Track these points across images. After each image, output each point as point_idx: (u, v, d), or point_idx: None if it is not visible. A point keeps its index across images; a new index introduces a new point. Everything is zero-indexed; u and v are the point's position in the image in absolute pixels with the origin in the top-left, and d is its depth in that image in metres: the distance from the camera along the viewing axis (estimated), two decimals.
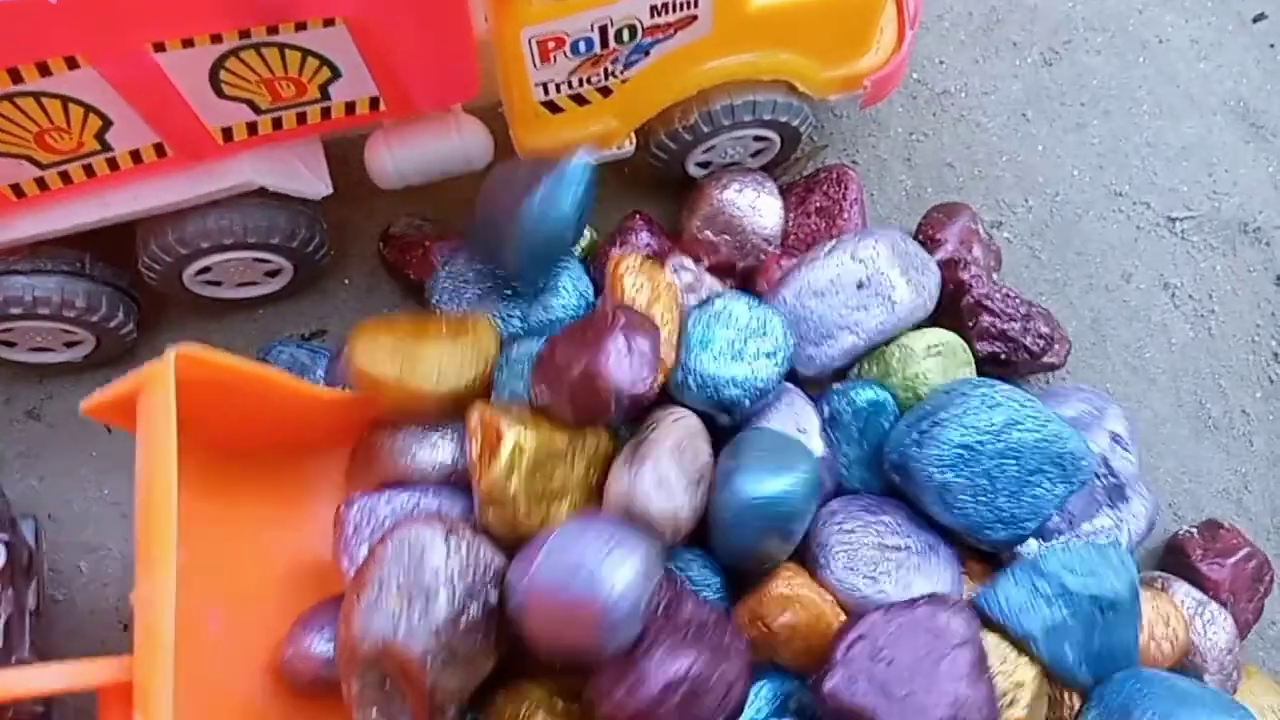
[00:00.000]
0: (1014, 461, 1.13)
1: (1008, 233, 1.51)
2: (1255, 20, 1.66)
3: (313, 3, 0.96)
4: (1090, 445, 1.17)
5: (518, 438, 1.08)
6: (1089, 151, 1.57)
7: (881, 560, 1.13)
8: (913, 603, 1.07)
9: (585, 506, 1.14)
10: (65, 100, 1.03)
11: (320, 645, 1.14)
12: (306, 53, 1.06)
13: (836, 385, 1.25)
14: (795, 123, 1.36)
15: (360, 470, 1.25)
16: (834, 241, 1.29)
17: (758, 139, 1.39)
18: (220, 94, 1.08)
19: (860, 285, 1.24)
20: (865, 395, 1.22)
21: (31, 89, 1.01)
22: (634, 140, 1.34)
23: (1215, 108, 1.61)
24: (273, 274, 1.38)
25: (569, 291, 1.28)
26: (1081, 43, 1.63)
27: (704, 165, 1.42)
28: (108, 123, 1.08)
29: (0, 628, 1.17)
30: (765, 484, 1.07)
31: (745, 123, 1.33)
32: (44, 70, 0.99)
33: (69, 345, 1.35)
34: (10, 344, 1.33)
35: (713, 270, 1.35)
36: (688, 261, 1.30)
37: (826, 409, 1.24)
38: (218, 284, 1.36)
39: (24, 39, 0.94)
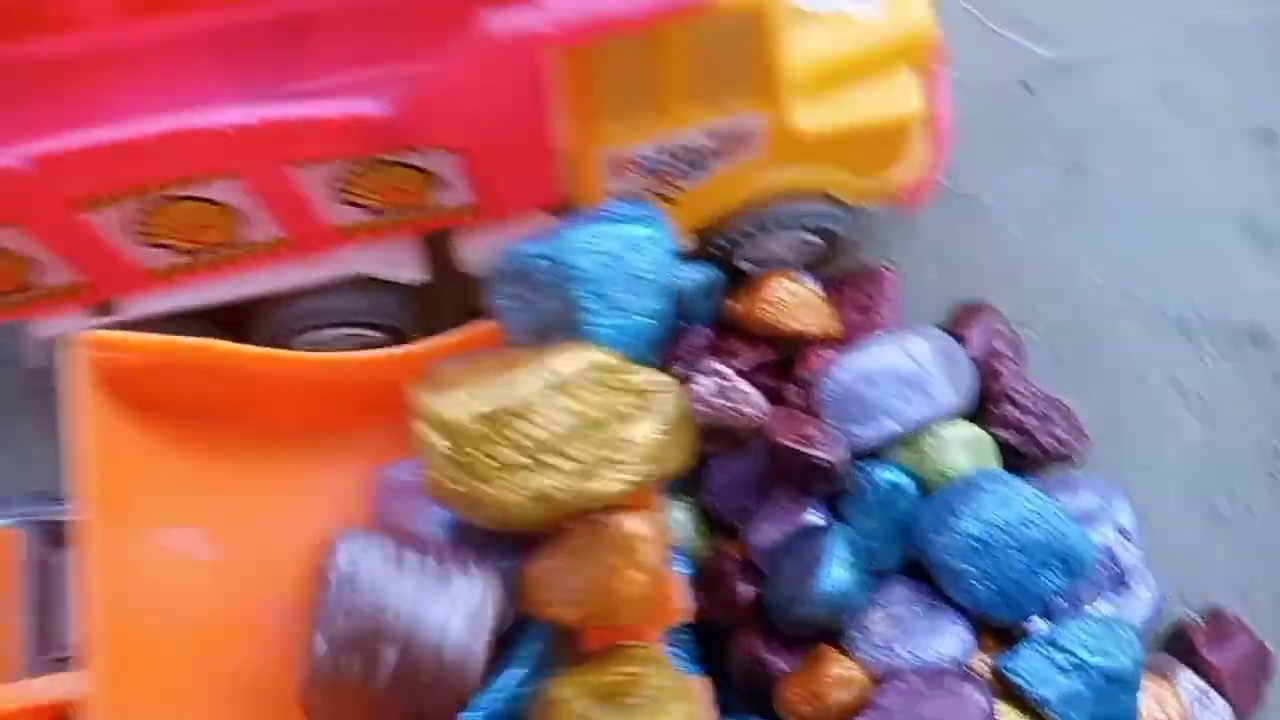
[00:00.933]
0: (1022, 555, 1.26)
1: (1031, 331, 1.65)
2: (1266, 139, 1.80)
3: (434, 136, 1.14)
4: (1096, 538, 1.30)
5: None
6: (1106, 257, 1.71)
7: (894, 628, 1.27)
8: (943, 670, 1.20)
9: None
10: (210, 202, 1.22)
11: None
12: (420, 170, 1.24)
13: (863, 463, 1.39)
14: (835, 227, 1.52)
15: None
16: (886, 334, 1.43)
17: (803, 241, 1.55)
18: (340, 199, 1.26)
19: (905, 379, 1.37)
20: (887, 477, 1.35)
21: (184, 193, 1.19)
22: (692, 239, 1.50)
23: (1226, 219, 1.74)
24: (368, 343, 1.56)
25: None
26: (1100, 154, 1.78)
27: (753, 261, 1.58)
28: (241, 220, 1.26)
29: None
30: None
31: (790, 228, 1.49)
32: (191, 176, 1.18)
33: None
34: None
35: (745, 372, 1.47)
36: (724, 368, 1.40)
37: (851, 482, 1.37)
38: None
39: (196, 158, 1.13)
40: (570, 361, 1.03)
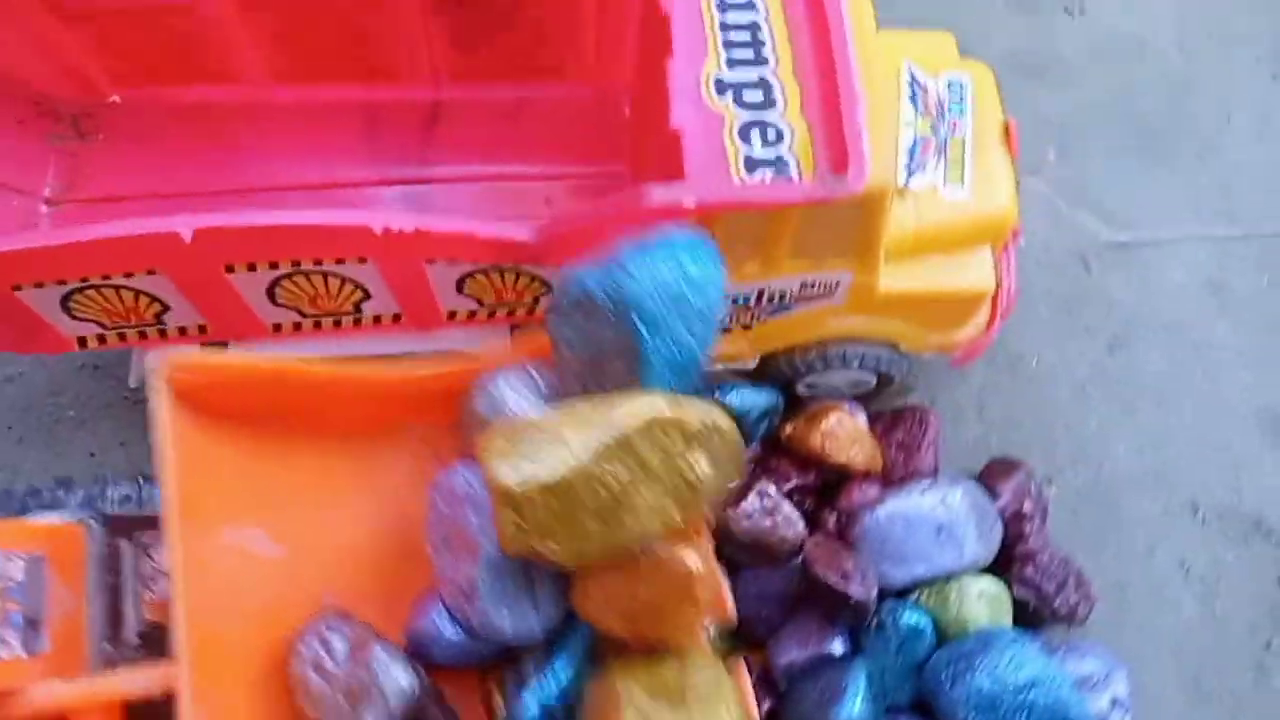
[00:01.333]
0: (1026, 715, 1.37)
1: (1057, 490, 1.76)
2: None
3: (565, 260, 1.26)
4: (1092, 707, 1.41)
5: None
6: (1135, 433, 1.82)
7: None
8: None
9: None
10: (344, 279, 1.33)
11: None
12: (535, 276, 1.36)
13: (890, 601, 1.50)
14: (893, 372, 1.63)
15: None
16: (928, 483, 1.54)
17: (860, 378, 1.66)
18: (459, 291, 1.38)
19: (940, 529, 1.48)
20: (911, 620, 1.46)
21: (322, 269, 1.31)
22: (756, 360, 1.61)
23: (1250, 414, 1.86)
24: None
25: None
26: (1144, 337, 1.89)
27: (810, 387, 1.69)
28: (367, 296, 1.37)
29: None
30: None
31: (852, 366, 1.61)
32: (339, 259, 1.29)
33: None
34: None
35: (791, 492, 1.59)
36: (771, 489, 1.52)
37: (876, 618, 1.48)
38: None
39: (343, 247, 1.25)
40: (630, 418, 1.07)
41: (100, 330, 1.40)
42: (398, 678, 1.14)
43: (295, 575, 1.20)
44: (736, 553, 1.54)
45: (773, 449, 1.67)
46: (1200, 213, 2.00)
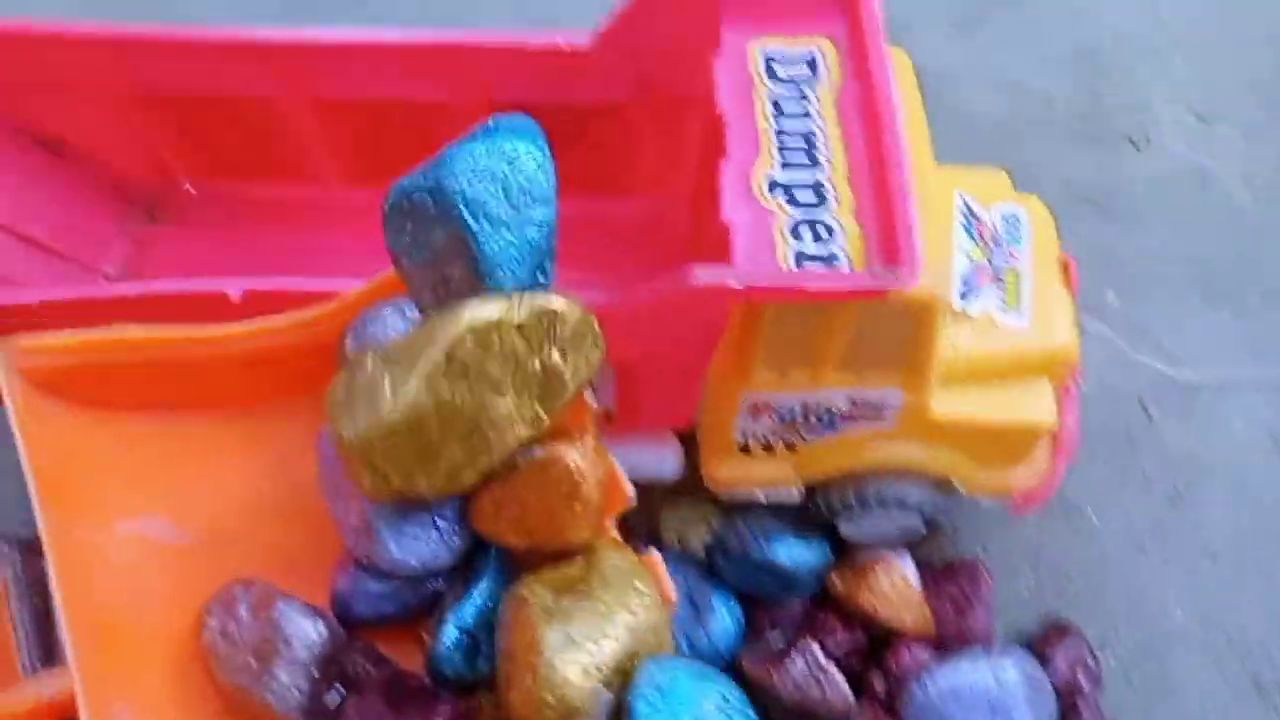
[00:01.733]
0: None
1: (1110, 653, 1.67)
2: None
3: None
4: None
5: None
6: (1193, 594, 1.73)
7: None
8: None
9: None
10: None
11: None
12: None
13: None
14: (941, 518, 1.58)
15: None
16: (978, 652, 1.48)
17: (906, 524, 1.61)
18: None
19: (991, 703, 1.41)
20: None
21: None
22: (802, 491, 1.57)
23: None
24: None
25: (724, 620, 1.50)
26: (1204, 489, 1.82)
27: (855, 531, 1.63)
28: None
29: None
30: None
31: (897, 508, 1.55)
32: None
33: None
34: None
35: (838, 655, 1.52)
36: (817, 652, 1.46)
37: None
38: None
39: None
40: (453, 333, 0.99)
41: None
42: (303, 626, 1.09)
43: (206, 557, 1.14)
44: (778, 711, 1.48)
45: (820, 601, 1.61)
46: (1263, 356, 1.94)
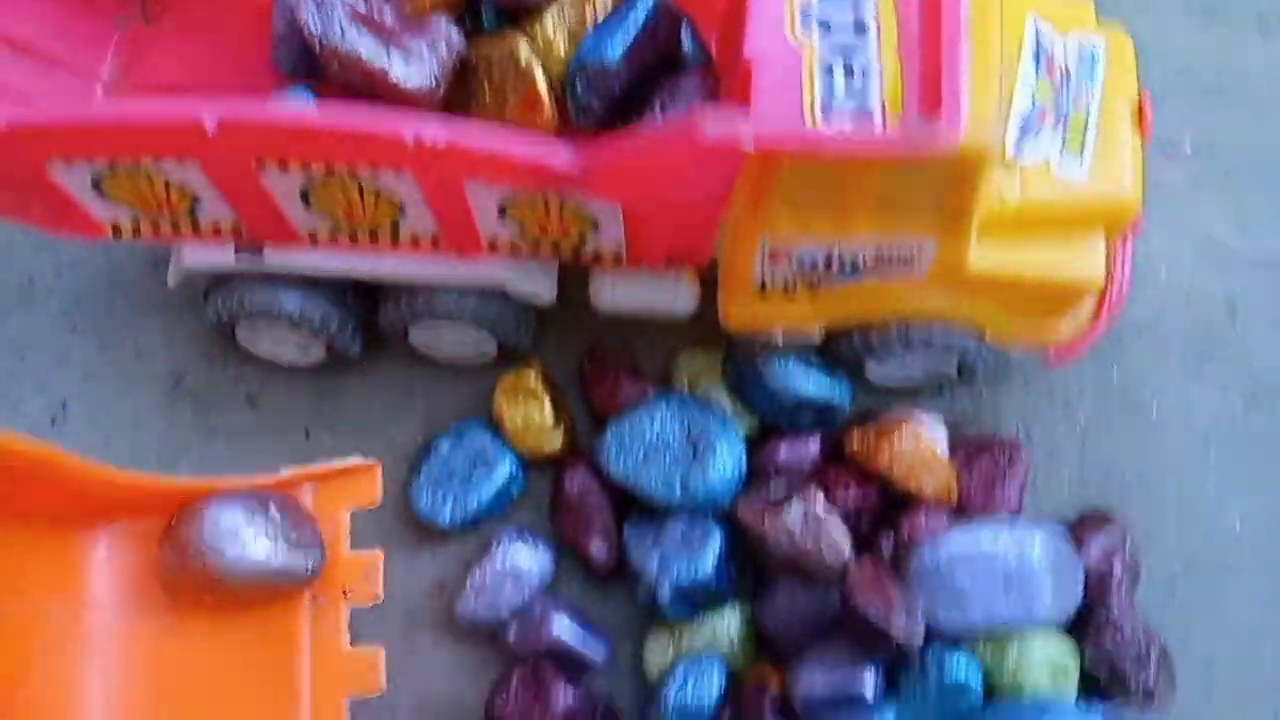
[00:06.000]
0: None
1: (1152, 556, 1.53)
2: None
3: (611, 192, 1.13)
4: None
5: None
6: (1258, 510, 1.58)
7: None
8: None
9: None
10: (379, 191, 1.22)
11: None
12: (581, 209, 1.23)
13: (937, 646, 1.31)
14: (977, 362, 1.44)
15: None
16: (1001, 523, 1.35)
17: (937, 368, 1.48)
18: (502, 217, 1.26)
19: (1009, 576, 1.29)
20: (957, 672, 1.28)
21: (357, 178, 1.20)
22: (822, 332, 1.44)
23: None
24: (482, 351, 1.56)
25: (725, 463, 1.40)
26: None
27: (881, 371, 1.51)
28: (404, 213, 1.26)
29: None
30: None
31: (929, 348, 1.42)
32: (375, 166, 1.18)
33: (302, 349, 1.56)
34: (256, 335, 1.54)
35: (846, 510, 1.41)
36: (819, 503, 1.35)
37: (918, 661, 1.29)
38: (434, 345, 1.56)
39: (373, 153, 1.14)
40: None
41: (133, 217, 1.33)
42: None
43: None
44: (772, 563, 1.38)
45: (833, 456, 1.50)
46: None
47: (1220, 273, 1.71)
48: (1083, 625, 1.37)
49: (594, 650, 1.44)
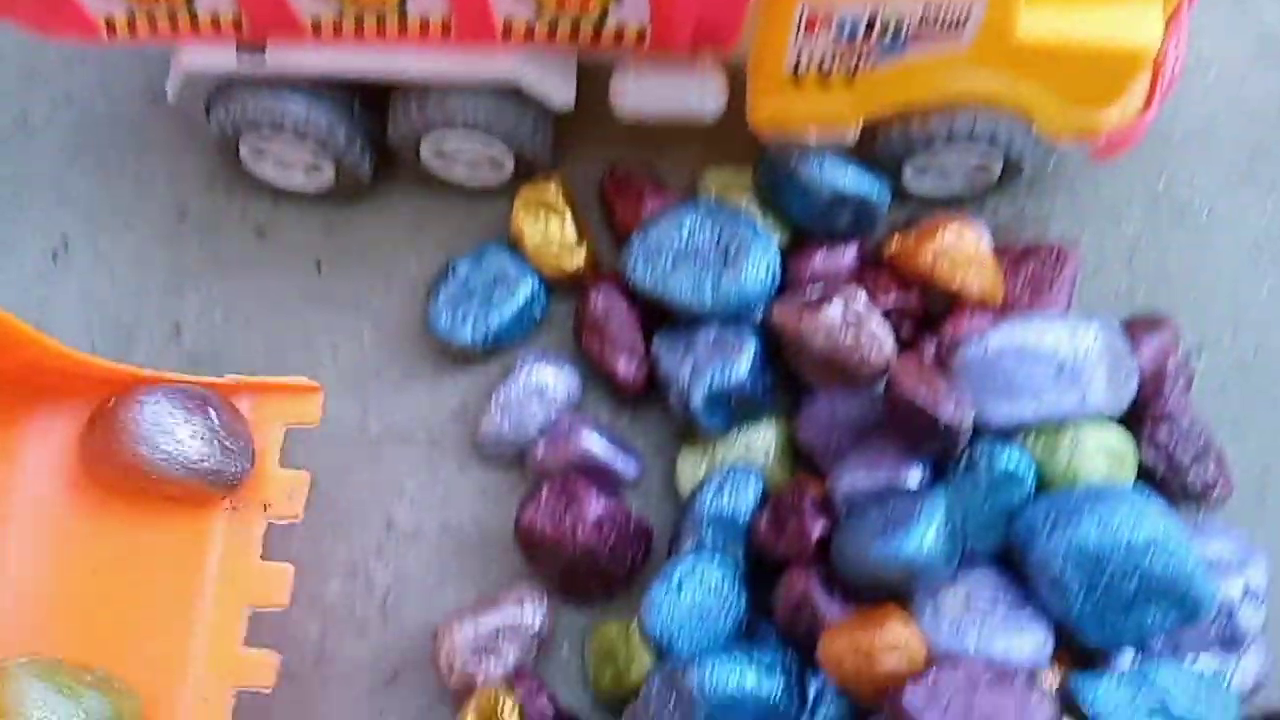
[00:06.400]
0: (1137, 581, 1.11)
1: (1205, 361, 1.47)
2: None
3: None
4: (1220, 593, 1.15)
5: None
6: None
7: (971, 612, 1.14)
8: (1012, 670, 1.07)
9: None
10: None
11: None
12: None
13: (987, 439, 1.25)
14: (1024, 157, 1.37)
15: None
16: (1057, 313, 1.28)
17: (979, 167, 1.40)
18: None
19: (1061, 368, 1.22)
20: (1008, 461, 1.21)
21: None
22: (858, 132, 1.36)
23: None
24: (497, 167, 1.48)
25: (759, 266, 1.33)
26: None
27: (922, 180, 1.44)
28: None
29: None
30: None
31: (974, 142, 1.34)
32: None
33: (309, 171, 1.48)
34: (261, 155, 1.46)
35: (888, 313, 1.34)
36: (860, 300, 1.27)
37: (967, 455, 1.23)
38: (447, 164, 1.47)
39: None
40: None
41: (128, 10, 1.25)
42: None
43: None
44: (810, 370, 1.31)
45: (873, 263, 1.43)
46: None
47: (1274, 74, 1.61)
48: (1137, 422, 1.30)
49: (625, 464, 1.39)
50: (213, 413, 1.27)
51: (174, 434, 1.23)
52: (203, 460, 1.24)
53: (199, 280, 1.56)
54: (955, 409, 1.19)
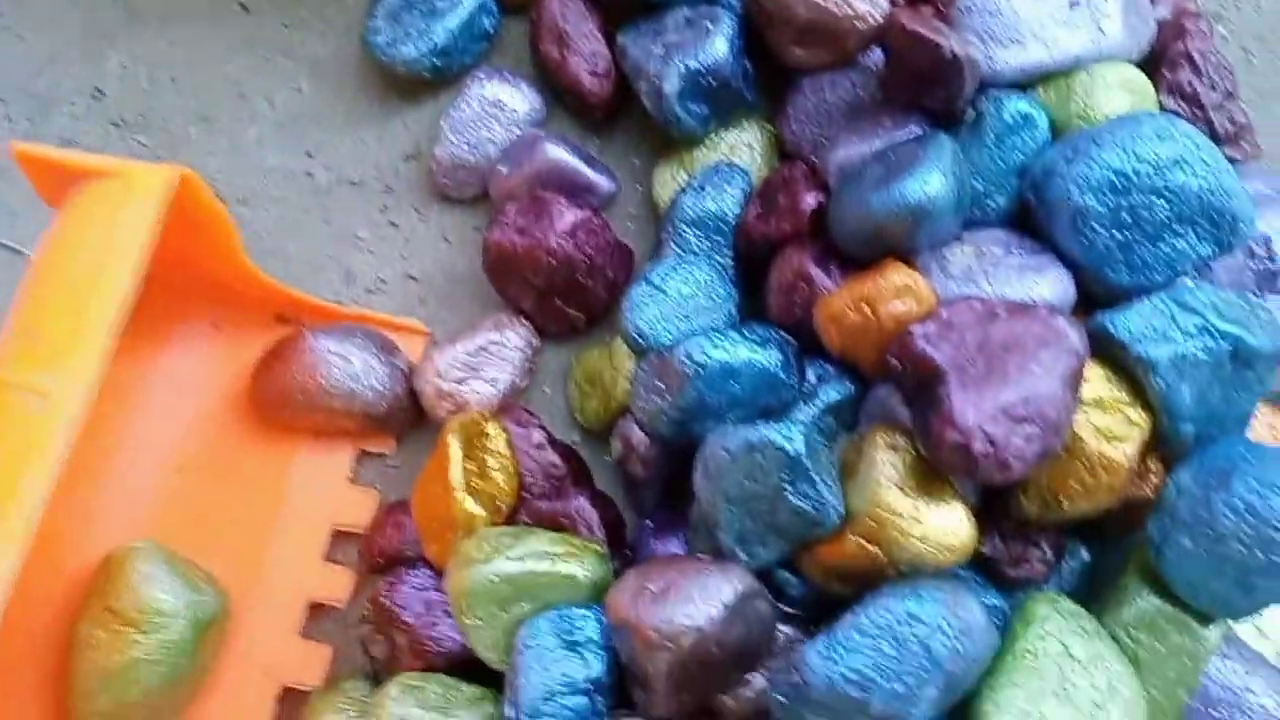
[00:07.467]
0: (1167, 203, 0.99)
1: (1226, 28, 1.35)
2: None
3: None
4: (1259, 221, 1.03)
5: None
6: None
7: (981, 261, 1.03)
8: (1034, 305, 0.96)
9: None
10: None
11: None
12: None
13: (993, 90, 1.12)
14: None
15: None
16: None
17: None
18: None
19: (1074, 3, 1.10)
20: (1019, 106, 1.09)
21: None
22: None
23: None
24: None
25: None
26: None
27: None
28: None
29: None
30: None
31: None
32: None
33: None
34: None
35: None
36: None
37: (973, 111, 1.11)
38: None
39: None
40: None
41: None
42: None
43: None
44: (795, 46, 1.17)
45: None
46: None
47: None
48: (1158, 71, 1.17)
49: (597, 176, 1.27)
50: (384, 355, 1.26)
51: (363, 379, 1.22)
52: (380, 402, 1.23)
53: (116, 39, 1.42)
54: (961, 43, 1.06)
